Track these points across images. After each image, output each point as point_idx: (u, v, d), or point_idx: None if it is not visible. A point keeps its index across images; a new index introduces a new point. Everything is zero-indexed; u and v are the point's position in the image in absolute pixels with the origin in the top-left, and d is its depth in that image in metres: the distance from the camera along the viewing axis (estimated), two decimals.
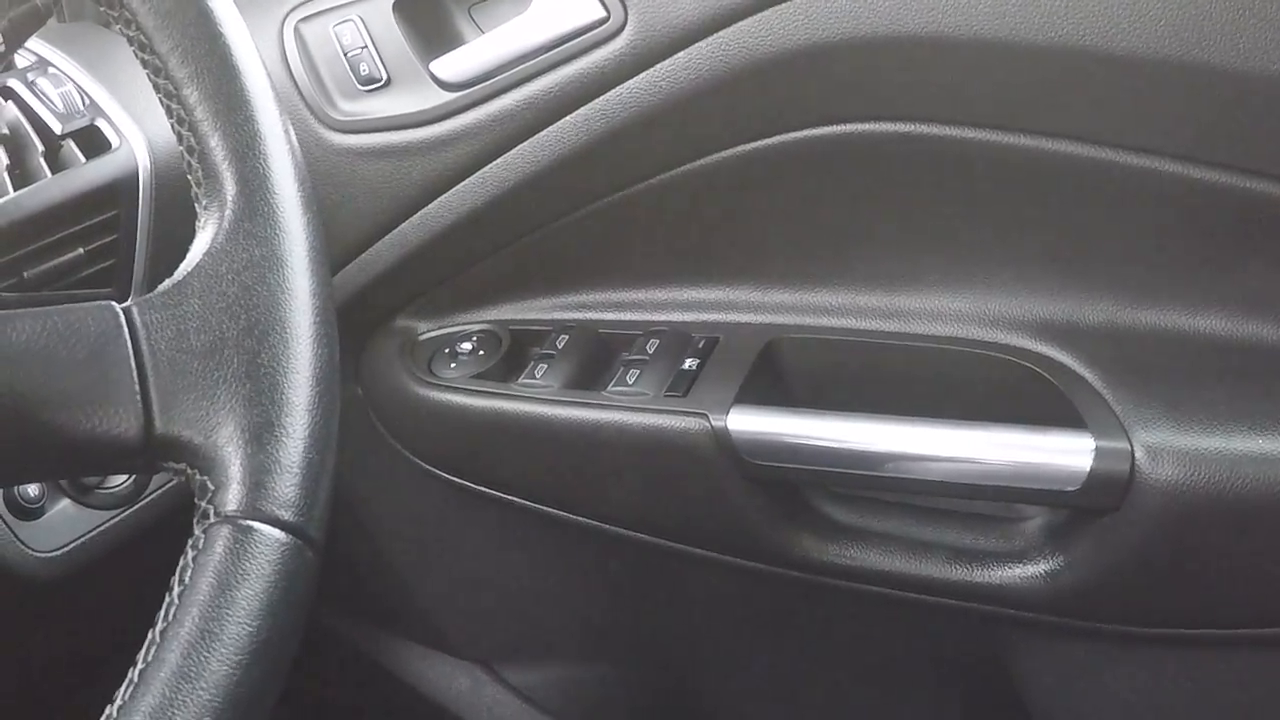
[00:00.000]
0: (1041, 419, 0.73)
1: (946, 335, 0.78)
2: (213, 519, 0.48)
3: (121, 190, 0.83)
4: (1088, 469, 0.70)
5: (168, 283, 0.53)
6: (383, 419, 0.91)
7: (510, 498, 0.87)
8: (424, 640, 1.01)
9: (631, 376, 0.81)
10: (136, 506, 0.87)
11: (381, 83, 0.84)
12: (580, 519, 0.85)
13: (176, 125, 0.56)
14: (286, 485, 0.49)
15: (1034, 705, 0.82)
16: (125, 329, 0.51)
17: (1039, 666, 0.81)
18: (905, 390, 0.78)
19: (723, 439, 0.77)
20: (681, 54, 0.75)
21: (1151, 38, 0.67)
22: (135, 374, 0.50)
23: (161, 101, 0.57)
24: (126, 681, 0.46)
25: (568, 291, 0.87)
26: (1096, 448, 0.70)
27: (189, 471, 0.50)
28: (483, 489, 0.89)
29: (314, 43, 0.85)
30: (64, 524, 0.85)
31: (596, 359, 0.85)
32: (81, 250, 0.82)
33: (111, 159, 0.84)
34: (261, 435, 0.50)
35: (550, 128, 0.79)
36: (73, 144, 0.84)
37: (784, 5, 0.72)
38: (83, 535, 0.84)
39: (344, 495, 0.99)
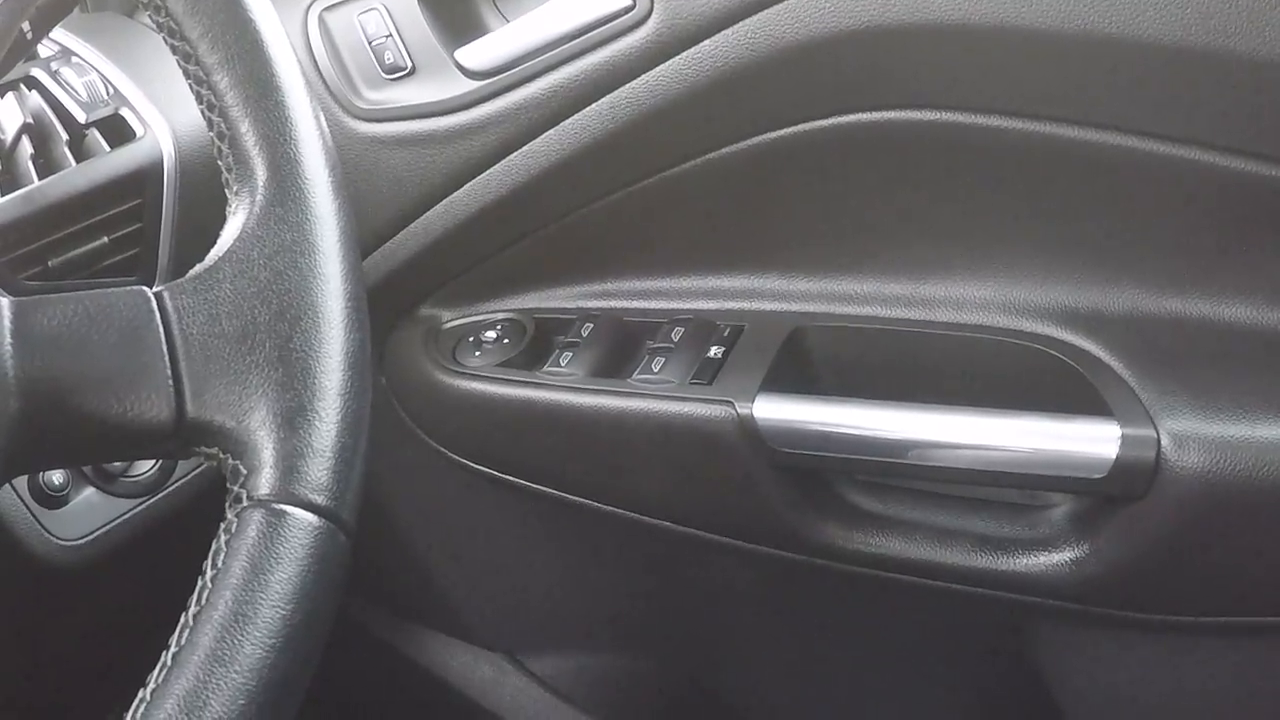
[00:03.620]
0: (1067, 407, 0.77)
1: (972, 324, 0.82)
2: (245, 503, 0.52)
3: (146, 179, 0.88)
4: (1114, 456, 0.74)
5: (199, 267, 0.56)
6: (406, 407, 0.94)
7: (534, 485, 0.91)
8: (446, 629, 1.05)
9: (657, 364, 0.85)
10: (160, 495, 0.91)
11: (406, 71, 0.88)
12: (605, 507, 0.89)
13: (206, 111, 0.59)
14: (319, 469, 0.53)
15: (1057, 693, 0.86)
16: (157, 313, 0.54)
17: (1063, 654, 0.85)
18: (930, 379, 0.82)
19: (749, 427, 0.81)
20: (706, 42, 0.79)
21: (1177, 25, 0.71)
22: (167, 358, 0.53)
23: (191, 88, 0.60)
24: (160, 665, 0.48)
25: (591, 280, 0.91)
26: (1123, 435, 0.74)
27: (220, 455, 0.53)
28: (506, 477, 0.93)
29: (338, 31, 0.89)
30: (88, 512, 0.89)
31: (621, 347, 0.89)
32: (106, 239, 0.86)
33: (136, 148, 0.88)
34: (294, 419, 0.53)
35: (575, 116, 0.83)
36: (97, 133, 0.88)
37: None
38: (107, 523, 0.89)
39: (367, 484, 1.03)
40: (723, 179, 0.84)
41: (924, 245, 0.83)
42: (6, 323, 0.52)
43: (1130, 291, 0.79)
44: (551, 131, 0.84)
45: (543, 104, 0.84)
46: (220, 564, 0.50)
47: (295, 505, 0.51)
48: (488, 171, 0.86)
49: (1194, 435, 0.73)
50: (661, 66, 0.80)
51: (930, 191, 0.81)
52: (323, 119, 0.60)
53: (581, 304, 0.91)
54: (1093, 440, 0.75)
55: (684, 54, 0.79)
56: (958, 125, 0.78)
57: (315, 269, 0.56)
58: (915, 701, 0.96)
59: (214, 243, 0.91)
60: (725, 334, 0.85)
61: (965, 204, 0.81)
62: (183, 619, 0.49)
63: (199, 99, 0.59)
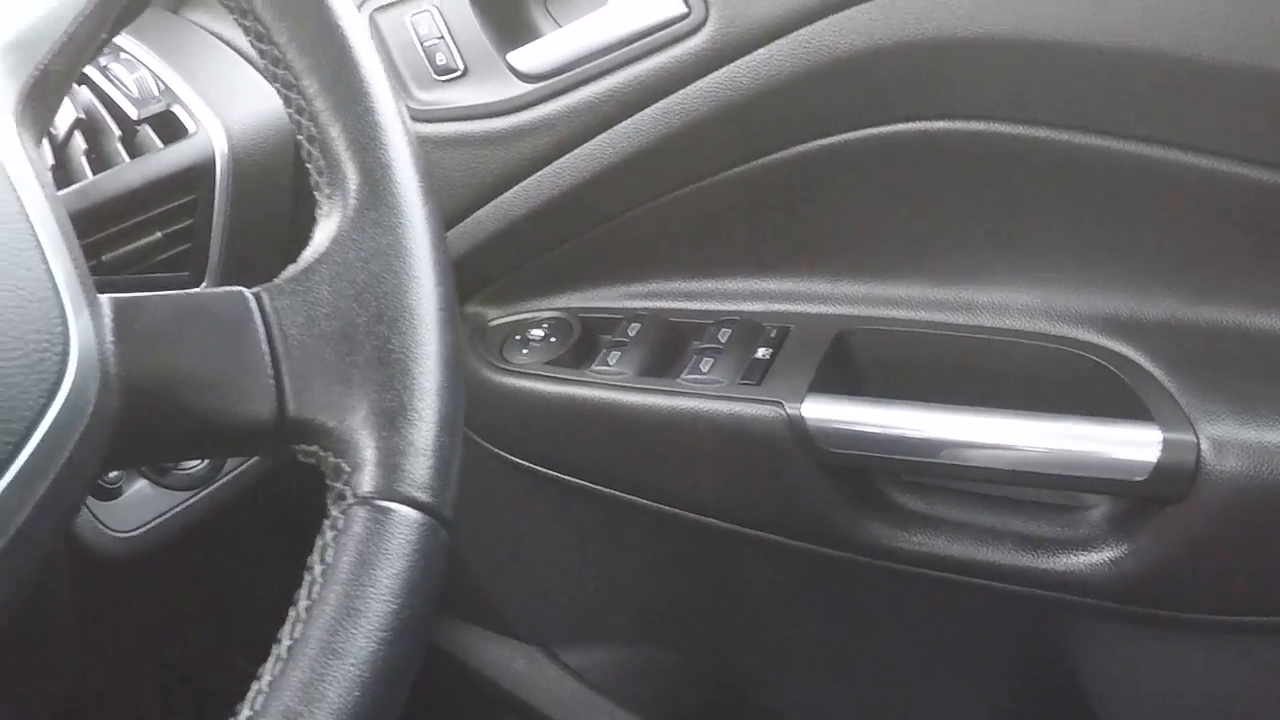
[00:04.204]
0: (1107, 411, 0.80)
1: (1013, 329, 0.85)
2: (350, 500, 0.53)
3: (200, 175, 0.90)
4: (1155, 460, 0.77)
5: (294, 269, 0.57)
6: None
7: (577, 481, 0.94)
8: (483, 623, 1.08)
9: (705, 364, 0.88)
10: (212, 487, 0.93)
11: (458, 73, 0.90)
12: (650, 503, 0.92)
13: (295, 114, 0.61)
14: (421, 468, 0.55)
15: (1090, 690, 0.90)
16: (257, 314, 0.56)
17: (1098, 652, 0.88)
18: (973, 382, 0.84)
19: (798, 426, 0.84)
20: (760, 51, 0.82)
21: (1220, 44, 0.74)
22: (268, 358, 0.55)
23: (279, 91, 0.62)
24: (273, 658, 0.50)
25: (637, 280, 0.93)
26: (1164, 440, 0.77)
27: (321, 454, 0.55)
28: (549, 472, 0.96)
29: (390, 32, 0.91)
30: (141, 504, 0.91)
31: (668, 347, 0.92)
32: (159, 234, 0.88)
33: (190, 144, 0.90)
34: (395, 419, 0.55)
35: (628, 120, 0.86)
36: (149, 129, 0.90)
37: (864, 5, 0.79)
38: (160, 516, 0.91)
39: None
40: (770, 184, 0.87)
41: (967, 252, 0.86)
42: (108, 322, 0.53)
43: (1168, 299, 0.82)
44: (604, 135, 0.87)
45: (596, 108, 0.86)
46: (329, 559, 0.52)
47: (399, 502, 0.53)
48: (539, 173, 0.88)
49: (1233, 440, 0.76)
50: (715, 73, 0.83)
51: (973, 199, 0.84)
52: (410, 124, 0.62)
53: (626, 304, 0.94)
54: (1134, 444, 0.78)
55: (737, 62, 0.82)
56: (1001, 136, 0.81)
57: (410, 273, 0.58)
58: (949, 699, 0.99)
59: (263, 239, 0.94)
60: (772, 336, 0.88)
61: (1007, 212, 0.84)
62: (293, 613, 0.51)
63: (287, 102, 0.61)
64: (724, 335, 0.89)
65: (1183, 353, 0.80)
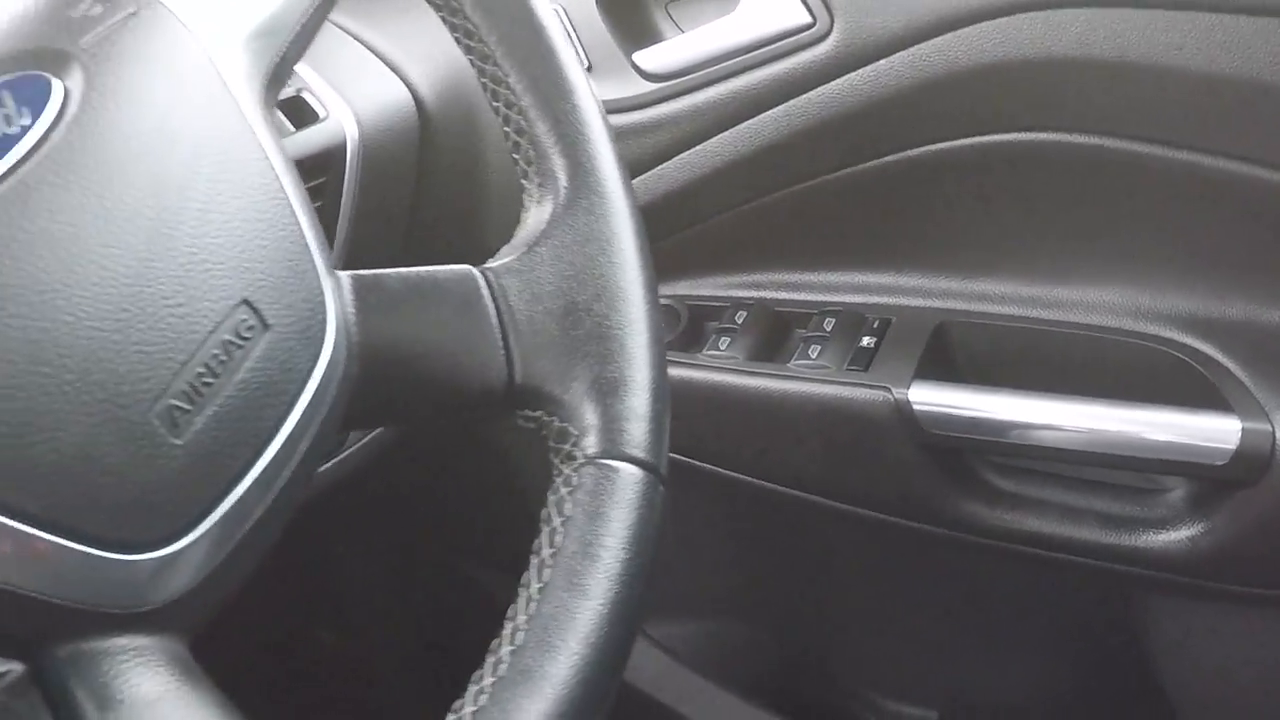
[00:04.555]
0: (1188, 402, 0.88)
1: (1100, 325, 0.93)
2: (581, 460, 0.59)
3: (332, 159, 0.95)
4: (1234, 447, 0.85)
5: (515, 251, 0.63)
6: None
7: (684, 459, 1.00)
8: None
9: (813, 351, 0.95)
10: (332, 462, 0.98)
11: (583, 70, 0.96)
12: (751, 480, 0.99)
13: (504, 109, 0.67)
14: (641, 431, 0.61)
15: (1159, 662, 0.98)
16: (485, 291, 0.62)
17: (1169, 626, 0.96)
18: (1061, 373, 0.93)
19: (904, 410, 0.91)
20: (882, 62, 0.89)
21: None
22: (498, 331, 0.61)
23: (486, 86, 0.68)
24: (524, 599, 0.56)
25: (743, 271, 1.01)
26: (1243, 429, 0.85)
27: (545, 419, 0.61)
28: None
29: None
30: None
31: (774, 335, 0.99)
32: None
33: (322, 128, 0.95)
34: (617, 389, 0.61)
35: (749, 121, 0.93)
36: (280, 113, 0.95)
37: (981, 25, 0.86)
38: None
39: (497, 451, 1.11)
40: (877, 185, 0.95)
41: (1058, 253, 0.94)
42: (348, 295, 0.59)
43: (1244, 302, 0.90)
44: (726, 133, 0.94)
45: (720, 108, 0.94)
46: (566, 512, 0.58)
47: (624, 461, 0.59)
48: (659, 167, 0.95)
49: None
50: (837, 81, 0.91)
51: (1066, 205, 0.92)
52: (608, 120, 0.68)
53: (731, 293, 1.01)
54: (1215, 432, 0.86)
55: (859, 71, 0.90)
56: (1095, 148, 0.89)
57: (621, 257, 0.64)
58: (1025, 669, 1.07)
59: (384, 224, 0.99)
60: (875, 325, 0.96)
61: (1097, 218, 0.92)
62: (535, 560, 0.57)
63: (495, 97, 0.67)
64: (829, 324, 0.97)
65: (1258, 350, 0.88)
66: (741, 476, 0.99)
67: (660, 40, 0.98)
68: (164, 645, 0.49)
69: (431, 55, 0.99)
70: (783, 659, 1.17)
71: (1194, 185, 0.88)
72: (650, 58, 0.95)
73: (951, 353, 0.96)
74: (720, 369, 0.96)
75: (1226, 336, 0.90)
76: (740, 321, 0.98)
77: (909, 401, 0.91)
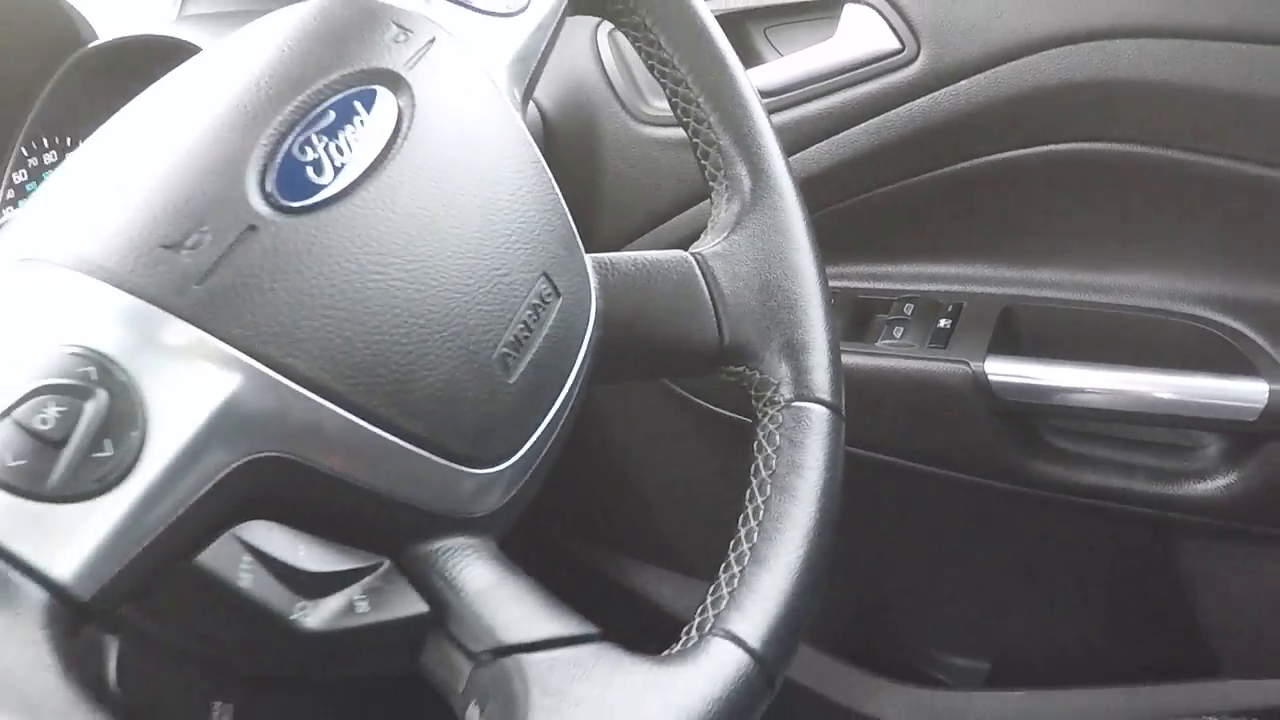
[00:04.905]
0: (1222, 370, 1.04)
1: (1144, 306, 1.09)
2: (781, 404, 0.75)
3: None
4: (1264, 405, 1.02)
5: (718, 238, 0.78)
6: None
7: None
8: (663, 562, 1.28)
9: (897, 332, 1.11)
10: None
11: None
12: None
13: (694, 124, 0.82)
14: (825, 380, 0.76)
15: (1198, 599, 1.14)
16: (699, 270, 0.77)
17: (1208, 565, 1.13)
18: (1112, 347, 1.09)
19: (980, 380, 1.08)
20: (964, 82, 1.06)
21: None
22: (710, 302, 0.76)
23: (677, 105, 0.82)
24: (751, 509, 0.70)
25: (831, 264, 1.14)
26: (1269, 390, 1.02)
27: (747, 373, 0.76)
28: (735, 416, 1.17)
29: (627, 47, 1.12)
30: None
31: (857, 318, 1.15)
32: None
33: None
34: (806, 347, 0.76)
35: (844, 133, 1.09)
36: None
37: (1048, 52, 1.03)
38: None
39: (596, 425, 1.24)
40: (952, 189, 1.11)
41: (1107, 245, 1.10)
42: (591, 274, 0.73)
43: (1267, 284, 1.07)
44: (823, 144, 1.10)
45: (817, 121, 1.09)
46: (776, 443, 0.73)
47: (815, 403, 0.75)
48: None
49: None
50: (923, 99, 1.07)
51: (1116, 205, 1.09)
52: (775, 128, 0.83)
53: None
54: (1246, 393, 1.02)
55: (943, 90, 1.06)
56: (1144, 156, 1.05)
57: (800, 243, 0.79)
58: (1076, 611, 1.23)
59: None
60: (950, 310, 1.12)
61: (1143, 215, 1.09)
62: (755, 481, 0.72)
63: (685, 114, 0.82)
64: (908, 309, 1.13)
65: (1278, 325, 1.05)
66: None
67: (761, 62, 1.14)
68: (489, 544, 0.62)
69: (554, 77, 1.14)
70: (852, 612, 1.32)
71: (1223, 188, 1.05)
72: (754, 76, 1.09)
73: (1018, 331, 1.12)
74: None
75: (1252, 314, 1.06)
76: None
77: (985, 373, 1.07)
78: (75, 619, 0.48)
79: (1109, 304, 1.10)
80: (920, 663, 1.32)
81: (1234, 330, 1.06)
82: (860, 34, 1.08)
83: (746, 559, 0.68)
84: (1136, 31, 1.02)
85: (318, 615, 0.63)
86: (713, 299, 0.76)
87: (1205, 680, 1.18)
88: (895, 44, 1.07)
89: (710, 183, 0.82)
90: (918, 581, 1.29)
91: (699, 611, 0.64)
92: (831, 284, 1.15)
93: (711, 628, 0.62)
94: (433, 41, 0.69)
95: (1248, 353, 1.05)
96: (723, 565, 0.68)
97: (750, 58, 1.14)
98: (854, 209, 1.13)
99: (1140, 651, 1.23)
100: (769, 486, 0.72)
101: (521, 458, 0.64)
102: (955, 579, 1.27)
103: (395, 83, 0.65)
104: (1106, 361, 1.07)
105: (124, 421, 0.50)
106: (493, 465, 0.62)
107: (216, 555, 0.64)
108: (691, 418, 1.20)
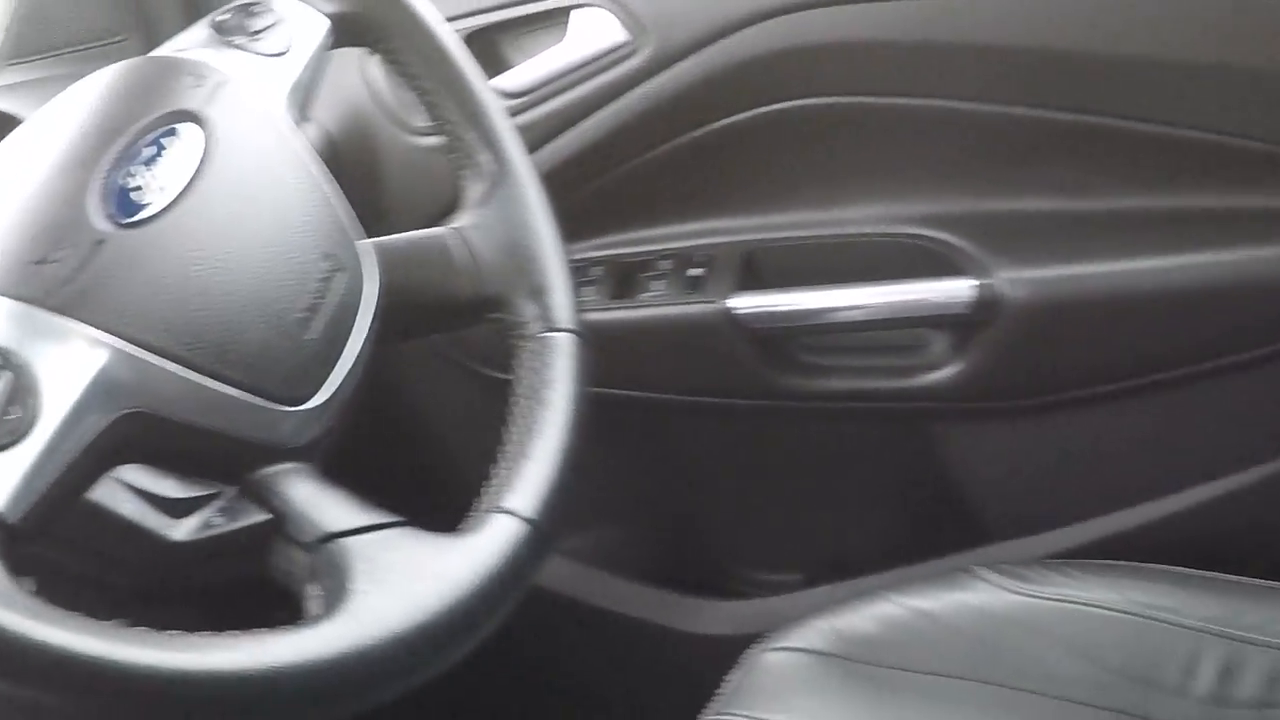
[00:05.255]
0: (937, 274, 1.24)
1: (868, 232, 1.28)
2: (530, 336, 0.91)
3: None
4: (971, 297, 1.21)
5: (471, 214, 0.96)
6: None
7: None
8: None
9: (656, 286, 1.28)
10: None
11: None
12: (615, 392, 1.29)
13: (435, 121, 1.00)
14: (566, 312, 0.93)
15: (956, 474, 1.34)
16: (459, 240, 0.94)
17: (956, 446, 1.32)
18: (845, 271, 1.27)
19: (731, 315, 1.26)
20: (682, 63, 1.24)
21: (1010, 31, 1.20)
22: (470, 264, 0.93)
23: (429, 109, 1.00)
24: (513, 416, 0.86)
25: (591, 237, 1.33)
26: (974, 285, 1.22)
27: (505, 316, 0.94)
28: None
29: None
30: None
31: (622, 280, 1.32)
32: None
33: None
34: (547, 289, 0.93)
35: (588, 119, 1.27)
36: None
37: (750, 28, 1.22)
38: None
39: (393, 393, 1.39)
40: (689, 155, 1.28)
41: (833, 185, 1.28)
42: (370, 252, 0.89)
43: (967, 198, 1.26)
44: (570, 132, 1.27)
45: (561, 113, 1.27)
46: (529, 364, 0.90)
47: (560, 332, 0.92)
48: None
49: (1018, 278, 1.21)
50: (650, 81, 1.25)
51: (833, 149, 1.27)
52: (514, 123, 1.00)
53: (587, 255, 1.33)
54: (957, 290, 1.22)
55: (666, 71, 1.24)
56: (850, 104, 1.24)
57: (536, 211, 0.97)
58: (865, 518, 1.41)
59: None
60: (700, 260, 1.30)
61: (856, 156, 1.27)
62: (513, 396, 0.88)
63: (430, 114, 1.01)
64: (664, 265, 1.30)
65: (978, 230, 1.25)
66: (614, 392, 1.29)
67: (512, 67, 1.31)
68: (310, 467, 0.78)
69: (334, 102, 1.30)
70: (661, 545, 1.49)
71: (919, 123, 1.25)
72: (508, 79, 1.28)
73: (761, 270, 1.30)
74: (587, 310, 1.26)
75: (955, 224, 1.26)
76: (596, 274, 1.31)
77: (732, 308, 1.26)
78: (9, 537, 0.64)
79: (837, 235, 1.29)
80: (742, 585, 1.48)
81: (942, 241, 1.26)
82: (591, 34, 1.26)
83: (511, 455, 0.84)
84: (811, 3, 1.21)
85: (183, 529, 0.82)
86: (473, 261, 0.94)
87: (982, 546, 1.36)
88: (625, 37, 1.24)
89: (462, 170, 0.99)
90: (713, 507, 1.46)
91: (479, 500, 0.81)
92: (595, 253, 1.35)
93: (490, 508, 0.79)
94: (222, 83, 0.87)
95: (955, 257, 1.24)
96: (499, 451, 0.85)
97: (502, 66, 1.31)
98: (606, 186, 1.30)
99: (924, 536, 1.41)
100: (526, 400, 0.88)
101: (327, 397, 0.81)
102: (747, 499, 1.44)
103: (196, 119, 0.84)
104: (839, 282, 1.26)
105: (26, 392, 0.68)
106: (303, 403, 0.79)
107: (103, 492, 0.80)
108: (489, 386, 1.35)
